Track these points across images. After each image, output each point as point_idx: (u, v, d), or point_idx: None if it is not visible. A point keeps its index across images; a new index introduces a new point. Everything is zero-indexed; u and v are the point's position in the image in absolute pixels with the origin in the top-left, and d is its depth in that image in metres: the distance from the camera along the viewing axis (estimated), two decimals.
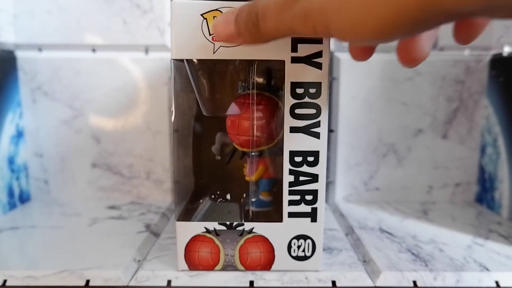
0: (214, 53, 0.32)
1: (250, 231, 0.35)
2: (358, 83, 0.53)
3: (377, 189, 0.56)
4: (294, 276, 0.35)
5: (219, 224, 0.35)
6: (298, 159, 0.33)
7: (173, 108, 0.35)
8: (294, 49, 0.32)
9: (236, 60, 0.36)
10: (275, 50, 0.32)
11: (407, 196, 0.56)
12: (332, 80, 0.54)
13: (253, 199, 0.38)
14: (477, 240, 0.43)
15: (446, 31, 0.56)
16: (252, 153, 0.37)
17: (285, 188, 0.34)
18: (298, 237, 0.35)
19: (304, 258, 0.35)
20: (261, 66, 0.36)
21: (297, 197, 0.34)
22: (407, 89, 0.54)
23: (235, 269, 0.36)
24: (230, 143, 0.39)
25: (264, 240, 0.35)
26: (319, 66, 0.32)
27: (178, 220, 0.35)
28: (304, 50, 0.32)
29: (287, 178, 0.34)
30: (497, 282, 0.35)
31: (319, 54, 0.32)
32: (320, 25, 0.21)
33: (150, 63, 0.53)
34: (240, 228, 0.35)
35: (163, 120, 0.54)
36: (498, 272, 0.36)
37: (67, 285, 0.35)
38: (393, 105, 0.54)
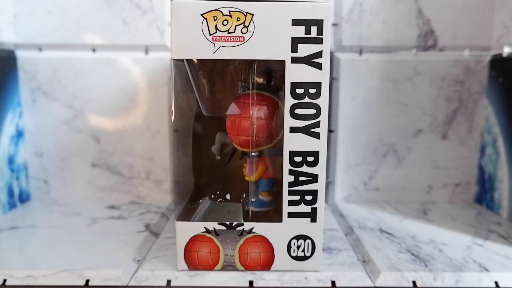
0: (214, 53, 0.32)
1: (250, 231, 0.35)
2: (358, 83, 0.53)
3: (376, 189, 0.56)
4: (293, 276, 0.35)
5: (219, 224, 0.35)
6: (298, 159, 0.33)
7: (173, 108, 0.35)
8: (294, 49, 0.32)
9: (236, 60, 0.36)
10: (275, 50, 0.32)
11: (407, 196, 0.56)
12: (332, 80, 0.54)
13: (253, 199, 0.38)
14: (477, 241, 0.43)
15: (446, 32, 0.56)
16: (252, 153, 0.37)
17: (285, 188, 0.34)
18: (297, 237, 0.35)
19: (304, 258, 0.35)
20: (261, 66, 0.36)
21: (297, 197, 0.34)
22: (406, 89, 0.54)
23: (235, 269, 0.36)
24: (230, 143, 0.39)
25: (263, 240, 0.35)
26: (319, 66, 0.32)
27: (178, 220, 0.35)
28: (304, 50, 0.32)
29: (287, 178, 0.34)
30: (496, 283, 0.35)
31: (319, 54, 0.32)
32: None
33: (150, 63, 0.53)
34: (240, 228, 0.35)
35: (163, 120, 0.54)
36: (497, 272, 0.36)
37: (66, 284, 0.35)
38: (393, 105, 0.54)
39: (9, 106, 0.52)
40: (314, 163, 0.33)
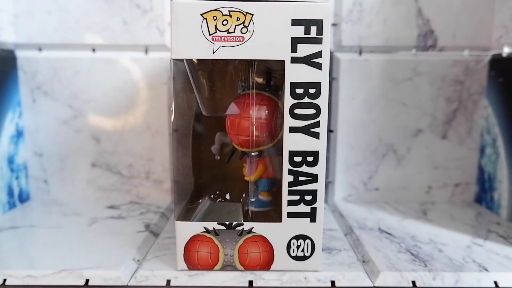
0: (214, 53, 0.32)
1: (250, 231, 0.35)
2: (358, 83, 0.53)
3: (376, 189, 0.56)
4: (293, 276, 0.35)
5: (219, 224, 0.35)
6: (297, 159, 0.33)
7: (172, 108, 0.35)
8: (294, 49, 0.32)
9: (235, 60, 0.36)
10: (275, 50, 0.32)
11: (407, 196, 0.56)
12: (331, 80, 0.54)
13: (253, 199, 0.38)
14: (476, 241, 0.43)
15: (446, 32, 0.56)
16: (252, 153, 0.37)
17: (285, 188, 0.34)
18: (297, 237, 0.35)
19: (303, 258, 0.35)
20: (260, 66, 0.36)
21: (297, 197, 0.34)
22: (406, 89, 0.54)
23: (235, 269, 0.36)
24: (229, 143, 0.39)
25: (263, 240, 0.35)
26: (318, 66, 0.32)
27: (178, 220, 0.35)
28: (304, 50, 0.32)
29: (287, 178, 0.34)
30: (496, 283, 0.35)
31: (318, 54, 0.32)
32: None
33: (150, 63, 0.53)
34: (240, 228, 0.35)
35: (162, 120, 0.54)
36: (497, 272, 0.36)
37: (66, 284, 0.35)
38: (393, 105, 0.54)
39: (9, 106, 0.52)
40: (313, 163, 0.33)
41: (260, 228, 0.35)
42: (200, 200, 0.41)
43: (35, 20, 0.52)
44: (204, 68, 0.38)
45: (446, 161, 0.56)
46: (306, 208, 0.34)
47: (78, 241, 0.42)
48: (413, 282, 0.35)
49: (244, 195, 0.40)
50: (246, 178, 0.38)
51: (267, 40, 0.32)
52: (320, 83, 0.32)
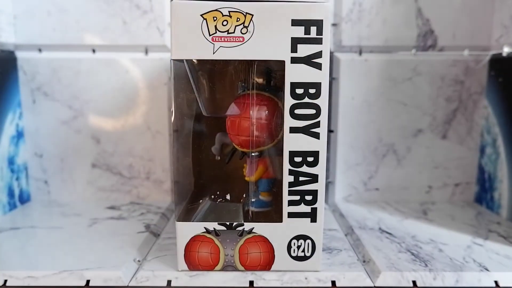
0: (213, 53, 0.32)
1: (250, 231, 0.35)
2: (358, 83, 0.53)
3: (376, 189, 0.56)
4: (293, 276, 0.35)
5: (219, 224, 0.35)
6: (297, 159, 0.33)
7: (173, 108, 0.35)
8: (294, 49, 0.32)
9: (236, 60, 0.36)
10: (275, 51, 0.32)
11: (407, 196, 0.56)
12: (332, 80, 0.54)
13: (253, 199, 0.38)
14: (477, 240, 0.43)
15: (446, 31, 0.56)
16: (252, 153, 0.37)
17: (285, 189, 0.34)
18: (297, 237, 0.35)
19: (304, 258, 0.35)
20: (261, 67, 0.36)
21: (297, 197, 0.34)
22: (406, 89, 0.54)
23: (235, 269, 0.36)
24: (230, 143, 0.39)
25: (264, 240, 0.35)
26: (318, 66, 0.32)
27: (178, 220, 0.35)
28: (304, 50, 0.32)
29: (287, 179, 0.34)
30: (496, 282, 0.35)
31: (318, 54, 0.32)
32: None
33: (150, 63, 0.53)
34: (240, 228, 0.35)
35: (163, 120, 0.54)
36: (497, 272, 0.36)
37: (67, 285, 0.35)
38: (393, 105, 0.54)
39: (9, 106, 0.52)
40: (314, 163, 0.33)
41: (261, 228, 0.35)
42: (201, 201, 0.41)
43: (35, 20, 0.52)
44: (204, 69, 0.38)
45: (446, 161, 0.56)
46: (307, 208, 0.34)
47: (79, 241, 0.42)
48: (414, 282, 0.35)
49: (244, 196, 0.40)
50: (246, 178, 0.38)
51: (267, 41, 0.32)
52: (320, 83, 0.32)
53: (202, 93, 0.39)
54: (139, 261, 0.38)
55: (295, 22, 0.31)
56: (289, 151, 0.33)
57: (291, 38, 0.32)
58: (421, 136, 0.55)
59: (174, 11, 0.31)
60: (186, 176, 0.42)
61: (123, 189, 0.56)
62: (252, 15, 0.31)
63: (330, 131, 0.55)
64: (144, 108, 0.54)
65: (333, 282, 0.35)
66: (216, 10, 0.31)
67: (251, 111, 0.36)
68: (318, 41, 0.32)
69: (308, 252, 0.35)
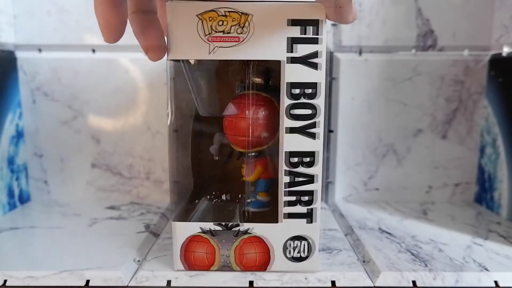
0: (209, 53, 0.32)
1: (246, 232, 0.35)
2: (358, 83, 0.53)
3: (376, 189, 0.56)
4: (293, 276, 0.35)
5: (215, 224, 0.35)
6: (294, 160, 0.33)
7: (169, 110, 0.35)
8: (290, 49, 0.32)
9: (233, 60, 0.36)
10: (272, 51, 0.32)
11: (407, 196, 0.56)
12: (331, 80, 0.54)
13: (250, 200, 0.38)
14: (477, 240, 0.43)
15: (446, 31, 0.56)
16: (250, 154, 0.37)
17: (281, 189, 0.34)
18: (294, 238, 0.35)
19: (301, 259, 0.35)
20: (258, 67, 0.36)
21: (293, 198, 0.34)
22: (406, 89, 0.54)
23: (231, 269, 0.36)
24: (228, 144, 0.39)
25: (259, 241, 0.35)
26: (316, 66, 0.32)
27: (174, 220, 0.35)
28: (301, 50, 0.32)
29: (284, 179, 0.34)
30: (496, 282, 0.35)
31: (316, 54, 0.32)
32: None
33: (150, 63, 0.53)
34: (236, 228, 0.35)
35: (162, 120, 0.54)
36: (497, 272, 0.36)
37: (67, 285, 0.35)
38: (393, 105, 0.54)
39: (9, 106, 0.52)
40: (311, 164, 0.33)
41: (257, 229, 0.35)
42: (197, 201, 0.41)
43: (35, 21, 0.52)
44: (201, 69, 0.38)
45: (446, 161, 0.56)
46: (303, 209, 0.34)
47: (79, 241, 0.42)
48: (414, 282, 0.35)
49: (240, 196, 0.40)
50: (243, 178, 0.38)
51: (263, 40, 0.32)
52: (318, 83, 0.32)
53: (199, 93, 0.39)
54: (139, 261, 0.38)
55: (292, 22, 0.31)
56: (286, 152, 0.33)
57: (288, 38, 0.32)
58: (421, 136, 0.55)
59: (170, 11, 0.31)
60: (185, 176, 0.42)
61: (123, 189, 0.56)
62: (249, 15, 0.31)
63: (330, 131, 0.55)
64: (144, 108, 0.54)
65: (333, 282, 0.35)
66: (212, 10, 0.31)
67: (247, 111, 0.36)
68: (315, 41, 0.32)
69: (304, 253, 0.35)
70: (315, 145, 0.33)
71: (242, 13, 0.31)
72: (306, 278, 0.35)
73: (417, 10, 0.52)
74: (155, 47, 0.31)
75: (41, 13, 0.52)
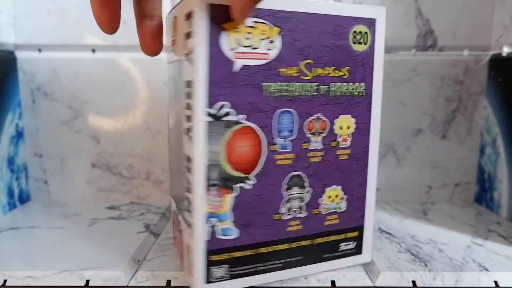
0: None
1: None
2: None
3: (376, 189, 0.56)
4: (293, 277, 0.35)
5: None
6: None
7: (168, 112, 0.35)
8: None
9: None
10: None
11: (407, 196, 0.56)
12: None
13: None
14: (476, 240, 0.43)
15: (446, 32, 0.56)
16: None
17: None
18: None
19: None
20: None
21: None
22: (406, 89, 0.54)
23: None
24: None
25: None
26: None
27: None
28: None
29: None
30: (496, 282, 0.35)
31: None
32: None
33: (150, 64, 0.53)
34: None
35: (163, 121, 0.54)
36: (497, 272, 0.36)
37: (67, 285, 0.35)
38: (393, 105, 0.54)
39: (9, 106, 0.52)
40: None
41: None
42: None
43: (34, 21, 0.52)
44: None
45: (446, 161, 0.56)
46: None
47: (78, 241, 0.42)
48: (413, 282, 0.35)
49: None
50: None
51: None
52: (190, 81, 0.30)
53: None
54: (139, 261, 0.38)
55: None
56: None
57: None
58: (421, 136, 0.55)
59: (168, 22, 0.31)
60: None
61: (123, 189, 0.56)
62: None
63: None
64: (144, 108, 0.54)
65: (333, 282, 0.36)
66: None
67: None
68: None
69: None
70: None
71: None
72: (306, 278, 0.35)
73: (417, 10, 0.52)
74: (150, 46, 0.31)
75: (41, 13, 0.52)
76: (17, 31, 0.53)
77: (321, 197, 0.34)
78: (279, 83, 0.31)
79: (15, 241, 0.43)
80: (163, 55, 0.53)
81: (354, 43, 0.33)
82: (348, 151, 0.35)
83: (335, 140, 0.34)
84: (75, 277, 0.35)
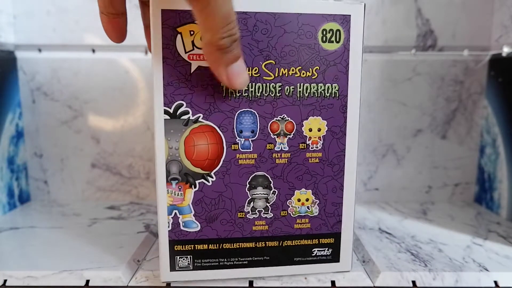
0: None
1: None
2: None
3: (376, 189, 0.56)
4: (293, 276, 0.35)
5: None
6: None
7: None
8: None
9: None
10: None
11: (406, 196, 0.56)
12: None
13: None
14: (476, 240, 0.43)
15: (445, 32, 0.56)
16: None
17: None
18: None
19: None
20: None
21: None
22: (406, 89, 0.54)
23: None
24: None
25: None
26: None
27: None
28: None
29: None
30: (496, 282, 0.35)
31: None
32: None
33: (150, 63, 0.53)
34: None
35: None
36: (497, 272, 0.36)
37: (66, 285, 0.35)
38: (392, 105, 0.54)
39: (9, 106, 0.52)
40: None
41: None
42: None
43: (34, 21, 0.52)
44: None
45: (446, 161, 0.56)
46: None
47: (78, 241, 0.42)
48: (413, 282, 0.35)
49: None
50: None
51: None
52: None
53: None
54: (138, 261, 0.38)
55: None
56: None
57: None
58: (421, 136, 0.55)
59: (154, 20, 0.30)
60: None
61: (123, 189, 0.56)
62: None
63: None
64: (144, 108, 0.54)
65: (333, 282, 0.36)
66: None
67: None
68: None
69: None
70: None
71: None
72: (306, 278, 0.35)
73: (417, 10, 0.53)
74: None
75: (40, 13, 0.52)
76: (17, 31, 0.53)
77: (289, 199, 0.34)
78: None
79: (15, 241, 0.43)
80: None
81: (323, 41, 0.31)
82: (319, 154, 0.33)
83: (303, 142, 0.33)
84: (75, 277, 0.35)
